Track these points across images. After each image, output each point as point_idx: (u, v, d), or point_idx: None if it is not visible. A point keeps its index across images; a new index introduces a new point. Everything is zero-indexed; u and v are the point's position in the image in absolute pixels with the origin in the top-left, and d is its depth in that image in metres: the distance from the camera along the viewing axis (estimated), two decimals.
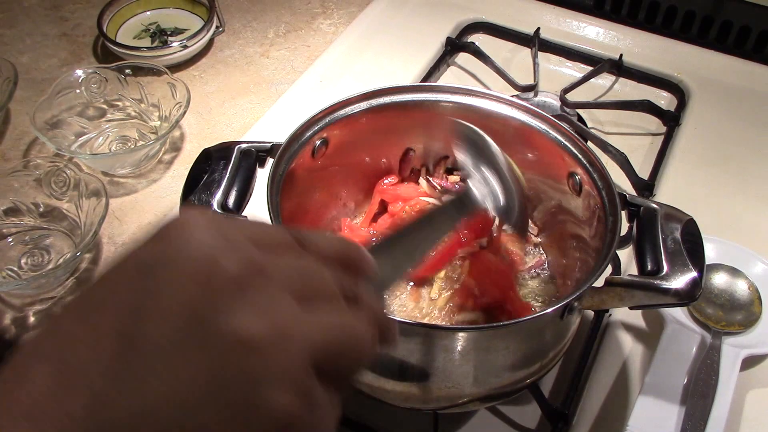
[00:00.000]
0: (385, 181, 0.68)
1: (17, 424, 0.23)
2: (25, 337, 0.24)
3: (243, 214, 0.55)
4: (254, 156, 0.58)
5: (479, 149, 0.54)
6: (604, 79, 0.95)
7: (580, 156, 0.59)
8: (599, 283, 0.52)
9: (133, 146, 0.84)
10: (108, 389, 0.24)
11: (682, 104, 0.92)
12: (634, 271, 0.53)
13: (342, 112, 0.61)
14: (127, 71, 0.85)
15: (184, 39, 0.93)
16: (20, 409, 0.24)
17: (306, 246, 0.31)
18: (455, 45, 0.98)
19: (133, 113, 0.86)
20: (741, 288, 0.67)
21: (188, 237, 0.27)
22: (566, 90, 0.89)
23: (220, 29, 1.01)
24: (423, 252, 0.40)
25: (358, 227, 0.68)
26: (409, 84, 0.64)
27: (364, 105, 0.62)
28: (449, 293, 0.61)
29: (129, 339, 0.25)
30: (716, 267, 0.68)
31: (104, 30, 0.95)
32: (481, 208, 0.50)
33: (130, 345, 0.25)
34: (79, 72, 0.84)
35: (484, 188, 0.51)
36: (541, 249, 0.67)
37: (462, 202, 0.49)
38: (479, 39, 1.01)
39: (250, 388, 0.25)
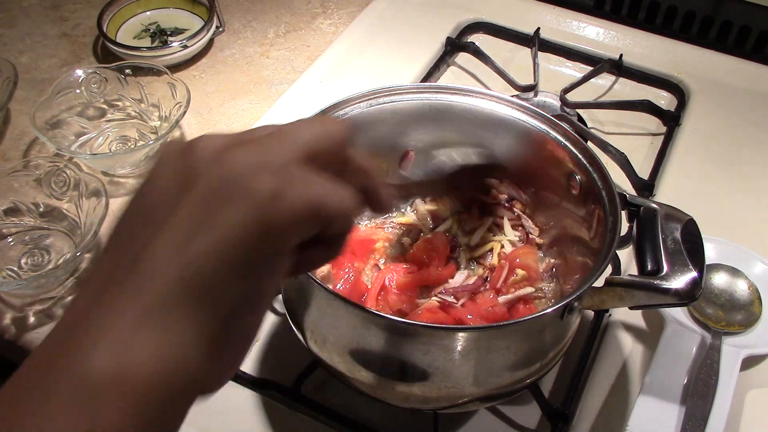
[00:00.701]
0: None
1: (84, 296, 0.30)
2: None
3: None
4: None
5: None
6: (604, 79, 0.95)
7: (580, 156, 0.59)
8: (599, 283, 0.52)
9: (133, 146, 0.84)
10: (143, 246, 0.30)
11: (682, 104, 0.92)
12: (634, 271, 0.53)
13: (342, 112, 0.61)
14: (127, 71, 0.85)
15: (184, 39, 0.93)
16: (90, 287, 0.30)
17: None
18: (455, 45, 0.98)
19: (133, 113, 0.86)
20: (741, 288, 0.67)
21: (175, 143, 0.33)
22: (566, 90, 0.89)
23: (220, 29, 1.01)
24: None
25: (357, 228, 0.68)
26: (409, 84, 0.64)
27: (364, 105, 0.62)
28: None
29: (149, 212, 0.31)
30: (716, 267, 0.68)
31: (104, 30, 0.95)
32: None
33: (152, 215, 0.31)
34: (79, 72, 0.84)
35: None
36: (543, 251, 0.67)
37: None
38: (479, 39, 1.01)
39: (239, 181, 0.30)
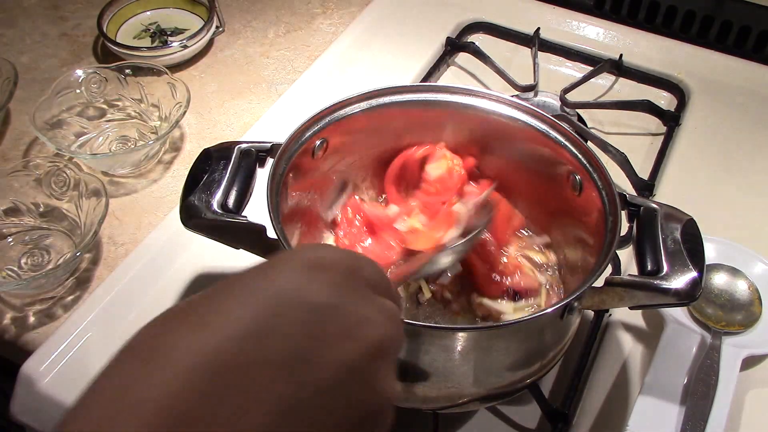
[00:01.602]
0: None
1: None
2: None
3: (243, 214, 0.55)
4: (254, 156, 0.58)
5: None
6: (604, 79, 0.95)
7: (580, 156, 0.59)
8: (599, 283, 0.52)
9: (133, 146, 0.84)
10: (284, 421, 0.27)
11: (682, 104, 0.92)
12: (634, 271, 0.53)
13: (342, 112, 0.61)
14: (127, 71, 0.85)
15: (184, 39, 0.93)
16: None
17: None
18: (455, 45, 0.98)
19: (133, 113, 0.86)
20: (741, 288, 0.67)
21: (349, 291, 0.31)
22: (566, 90, 0.89)
23: (220, 29, 1.01)
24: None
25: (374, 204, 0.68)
26: (409, 84, 0.64)
27: (364, 105, 0.62)
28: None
29: (300, 382, 0.28)
30: (716, 267, 0.68)
31: (104, 30, 0.95)
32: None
33: (301, 387, 0.27)
34: (79, 72, 0.84)
35: None
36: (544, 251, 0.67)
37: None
38: (479, 39, 1.01)
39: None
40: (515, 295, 0.60)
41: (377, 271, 0.34)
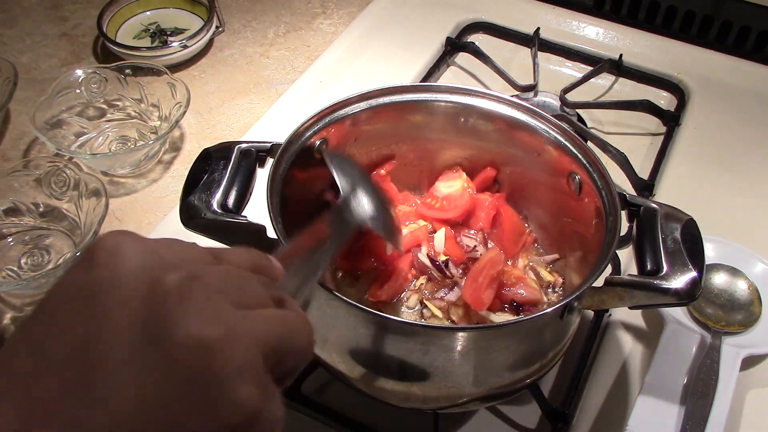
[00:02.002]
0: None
1: None
2: None
3: (243, 214, 0.55)
4: (254, 156, 0.58)
5: (353, 172, 0.58)
6: (604, 79, 0.95)
7: (580, 156, 0.59)
8: (599, 282, 0.52)
9: (133, 146, 0.84)
10: (77, 413, 0.25)
11: (682, 104, 0.92)
12: (634, 271, 0.53)
13: (342, 112, 0.61)
14: (127, 71, 0.85)
15: (184, 39, 0.93)
16: None
17: (220, 260, 0.32)
18: (455, 45, 0.98)
19: (133, 113, 0.86)
20: (741, 288, 0.67)
21: (122, 258, 0.28)
22: (566, 90, 0.89)
23: (220, 29, 1.01)
24: (323, 265, 0.43)
25: None
26: (408, 84, 0.64)
27: (363, 105, 0.62)
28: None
29: (87, 364, 0.26)
30: (716, 267, 0.68)
31: (104, 30, 0.95)
32: (358, 223, 0.51)
33: (90, 368, 0.26)
34: (79, 72, 0.84)
35: (359, 207, 0.53)
36: (543, 251, 0.67)
37: (341, 217, 0.51)
38: (479, 39, 1.01)
39: (215, 385, 0.26)
40: (517, 307, 0.60)
41: (225, 278, 0.30)
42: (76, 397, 0.25)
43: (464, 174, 0.67)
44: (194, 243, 0.32)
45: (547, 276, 0.64)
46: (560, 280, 0.63)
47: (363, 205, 0.53)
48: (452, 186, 0.67)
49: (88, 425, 0.25)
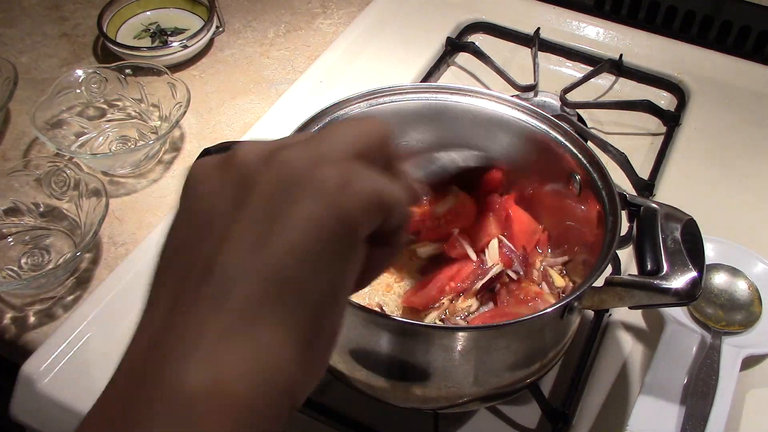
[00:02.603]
0: None
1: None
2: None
3: None
4: None
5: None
6: (604, 79, 0.95)
7: (580, 156, 0.59)
8: (599, 282, 0.52)
9: (133, 146, 0.84)
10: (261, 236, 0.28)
11: (682, 104, 0.92)
12: (634, 271, 0.53)
13: (342, 112, 0.61)
14: (127, 71, 0.85)
15: (184, 39, 0.93)
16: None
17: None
18: (455, 45, 0.98)
19: (133, 113, 0.86)
20: (741, 288, 0.67)
21: (202, 170, 0.31)
22: (566, 90, 0.89)
23: (220, 29, 1.01)
24: None
25: None
26: (409, 84, 0.64)
27: (364, 105, 0.62)
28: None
29: (263, 216, 0.28)
30: (716, 267, 0.68)
31: (104, 30, 0.95)
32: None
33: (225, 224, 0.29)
34: (79, 72, 0.84)
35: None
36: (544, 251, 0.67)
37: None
38: (479, 39, 1.01)
39: (305, 174, 0.29)
40: None
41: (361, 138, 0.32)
42: (239, 247, 0.28)
43: (454, 187, 0.66)
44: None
45: (559, 281, 0.63)
46: (570, 285, 0.63)
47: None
48: (445, 203, 0.66)
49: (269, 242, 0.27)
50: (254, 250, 0.27)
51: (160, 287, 0.29)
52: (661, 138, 0.87)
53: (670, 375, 0.61)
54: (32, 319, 0.68)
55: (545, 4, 1.04)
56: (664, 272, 0.50)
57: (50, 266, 0.71)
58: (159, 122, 0.85)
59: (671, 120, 0.88)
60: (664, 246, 0.52)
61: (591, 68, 0.93)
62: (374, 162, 0.31)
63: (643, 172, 0.81)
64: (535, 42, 0.97)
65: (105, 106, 0.86)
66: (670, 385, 0.60)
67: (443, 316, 0.60)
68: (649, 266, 0.52)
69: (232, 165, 0.30)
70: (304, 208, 0.28)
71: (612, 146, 0.79)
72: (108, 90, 0.85)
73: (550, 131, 0.61)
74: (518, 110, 0.62)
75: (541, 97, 0.89)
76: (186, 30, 0.98)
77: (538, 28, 0.98)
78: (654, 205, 0.56)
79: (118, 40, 0.95)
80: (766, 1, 0.94)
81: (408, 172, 0.34)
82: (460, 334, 0.50)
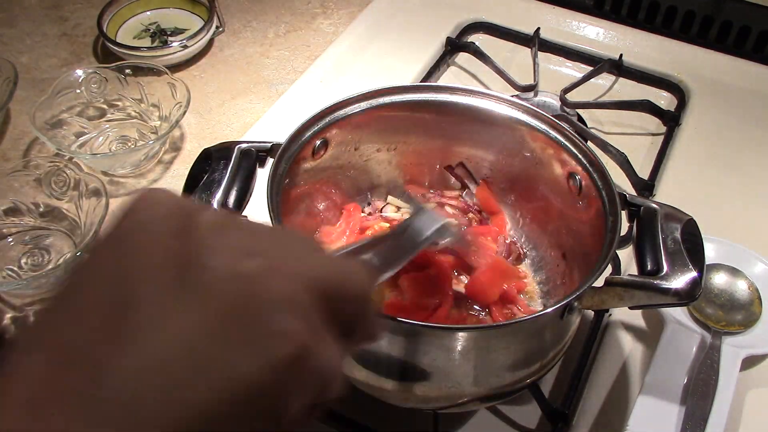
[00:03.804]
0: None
1: (17, 414, 0.22)
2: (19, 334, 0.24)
3: (243, 213, 0.55)
4: (254, 156, 0.58)
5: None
6: (604, 79, 0.95)
7: (580, 156, 0.59)
8: (599, 283, 0.52)
9: (133, 146, 0.84)
10: (110, 355, 0.23)
11: (682, 104, 0.92)
12: (634, 271, 0.53)
13: (342, 112, 0.61)
14: (127, 71, 0.85)
15: (184, 39, 0.93)
16: (19, 399, 0.22)
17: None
18: (455, 45, 0.98)
19: (133, 113, 0.86)
20: (741, 288, 0.67)
21: (157, 202, 0.27)
22: (566, 90, 0.89)
23: (220, 29, 1.01)
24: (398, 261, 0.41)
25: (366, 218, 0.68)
26: (409, 84, 0.64)
27: (364, 105, 0.62)
28: None
29: (120, 304, 0.24)
30: (716, 267, 0.68)
31: (104, 30, 0.95)
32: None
33: (123, 308, 0.24)
34: (79, 72, 0.84)
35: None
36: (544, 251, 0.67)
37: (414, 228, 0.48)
38: (479, 39, 1.01)
39: (256, 316, 0.25)
40: None
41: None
42: (108, 339, 0.23)
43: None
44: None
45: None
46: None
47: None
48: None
49: (118, 367, 0.23)
50: (178, 387, 0.23)
51: (41, 342, 0.24)
52: (661, 138, 0.87)
53: (670, 375, 0.61)
54: (32, 319, 0.68)
55: (545, 4, 1.04)
56: (664, 272, 0.50)
57: (50, 266, 0.71)
58: (159, 122, 0.85)
59: (671, 120, 0.88)
60: (664, 246, 0.52)
61: (591, 68, 0.93)
62: (336, 315, 0.28)
63: (643, 172, 0.81)
64: (535, 42, 0.97)
65: (105, 106, 0.86)
66: (670, 385, 0.60)
67: None
68: (649, 266, 0.52)
69: (186, 251, 0.26)
70: (252, 362, 0.24)
71: (612, 146, 0.79)
72: (108, 90, 0.85)
73: (550, 131, 0.61)
74: (518, 110, 0.62)
75: (541, 97, 0.89)
76: (186, 30, 0.98)
77: (538, 28, 0.98)
78: (654, 205, 0.56)
79: (118, 40, 0.95)
80: (766, 1, 0.94)
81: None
82: (460, 334, 0.50)
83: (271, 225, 0.31)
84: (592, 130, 0.85)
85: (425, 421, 0.58)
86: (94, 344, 0.23)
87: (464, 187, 0.70)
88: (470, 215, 0.68)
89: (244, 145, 0.58)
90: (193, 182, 0.55)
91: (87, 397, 0.22)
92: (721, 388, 0.59)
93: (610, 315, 0.67)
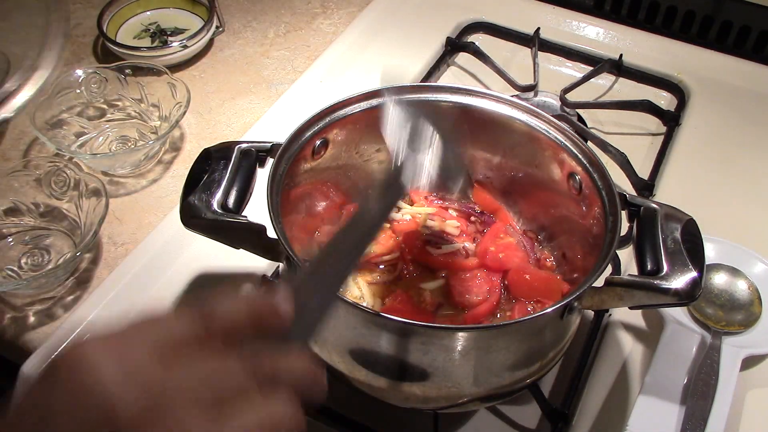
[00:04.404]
0: None
1: None
2: None
3: (243, 214, 0.55)
4: (254, 156, 0.58)
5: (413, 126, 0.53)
6: (604, 79, 0.95)
7: (580, 156, 0.59)
8: (599, 283, 0.52)
9: (133, 146, 0.84)
10: None
11: (682, 104, 0.92)
12: (634, 271, 0.53)
13: (342, 112, 0.61)
14: (127, 71, 0.85)
15: (184, 39, 0.93)
16: None
17: (212, 323, 0.31)
18: (455, 45, 0.98)
19: (133, 113, 0.86)
20: (741, 288, 0.67)
21: (82, 379, 0.27)
22: (566, 90, 0.89)
23: (220, 29, 1.01)
24: (355, 262, 0.40)
25: None
26: (409, 84, 0.64)
27: (364, 105, 0.62)
28: None
29: None
30: (716, 267, 0.68)
31: (104, 30, 0.95)
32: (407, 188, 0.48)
33: None
34: (79, 72, 0.84)
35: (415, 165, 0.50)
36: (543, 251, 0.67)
37: (390, 187, 0.47)
38: (479, 39, 1.01)
39: None
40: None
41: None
42: None
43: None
44: (182, 314, 0.31)
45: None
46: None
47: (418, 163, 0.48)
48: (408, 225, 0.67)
49: None
50: None
51: None
52: (661, 138, 0.87)
53: (670, 375, 0.61)
54: (32, 319, 0.68)
55: (545, 4, 1.04)
56: (664, 272, 0.51)
57: (50, 266, 0.71)
58: (159, 122, 0.85)
59: (671, 120, 0.88)
60: (664, 246, 0.52)
61: (591, 68, 0.93)
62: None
63: (643, 172, 0.81)
64: (535, 42, 0.97)
65: (105, 106, 0.86)
66: (670, 385, 0.60)
67: None
68: (649, 266, 0.52)
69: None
70: None
71: (612, 146, 0.79)
72: (108, 90, 0.85)
73: (550, 131, 0.61)
74: (518, 110, 0.62)
75: (541, 97, 0.89)
76: (186, 30, 0.98)
77: (538, 28, 0.98)
78: (654, 205, 0.56)
79: (118, 40, 0.95)
80: (766, 1, 0.94)
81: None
82: (460, 334, 0.50)
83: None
84: (592, 130, 0.85)
85: (425, 421, 0.58)
86: None
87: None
88: (472, 218, 0.68)
89: (244, 145, 0.58)
90: (193, 182, 0.55)
91: None
92: (721, 388, 0.59)
93: (610, 315, 0.67)
